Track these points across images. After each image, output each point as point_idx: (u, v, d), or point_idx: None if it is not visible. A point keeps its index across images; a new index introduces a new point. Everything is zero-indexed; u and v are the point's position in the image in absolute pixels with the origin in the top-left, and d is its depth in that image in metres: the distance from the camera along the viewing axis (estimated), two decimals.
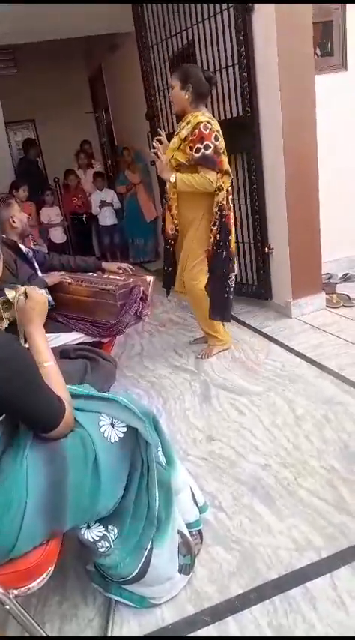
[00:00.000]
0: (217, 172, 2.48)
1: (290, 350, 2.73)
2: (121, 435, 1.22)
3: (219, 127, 2.51)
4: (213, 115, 3.27)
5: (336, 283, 3.52)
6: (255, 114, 3.01)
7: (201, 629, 1.27)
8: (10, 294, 1.26)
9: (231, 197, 2.62)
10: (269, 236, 3.23)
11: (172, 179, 2.50)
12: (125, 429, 1.23)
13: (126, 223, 5.59)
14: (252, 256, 3.42)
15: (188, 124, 2.47)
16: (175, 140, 2.54)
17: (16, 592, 1.07)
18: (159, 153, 2.56)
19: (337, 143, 3.45)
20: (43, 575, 1.10)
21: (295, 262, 3.09)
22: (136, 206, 5.41)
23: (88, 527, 1.24)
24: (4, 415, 1.09)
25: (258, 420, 2.13)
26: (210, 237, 2.58)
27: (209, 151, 2.41)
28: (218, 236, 2.58)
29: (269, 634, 1.23)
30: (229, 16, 2.97)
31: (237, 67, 3.02)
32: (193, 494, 1.50)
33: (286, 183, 2.93)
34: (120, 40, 5.21)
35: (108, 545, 1.24)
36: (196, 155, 2.43)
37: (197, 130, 2.41)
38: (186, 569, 1.40)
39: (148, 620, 1.32)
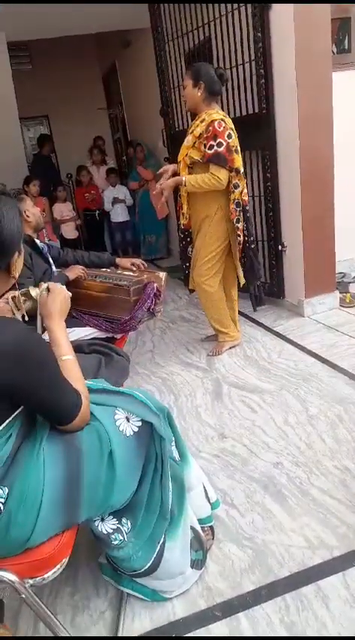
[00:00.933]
0: (229, 170, 2.48)
1: (303, 349, 2.71)
2: (136, 430, 1.23)
3: (232, 125, 2.51)
4: (229, 111, 3.29)
5: (350, 282, 3.50)
6: (271, 111, 2.99)
7: (213, 624, 1.28)
8: (34, 291, 1.28)
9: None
10: (283, 234, 3.22)
11: (182, 183, 2.52)
12: (140, 424, 1.23)
13: (138, 220, 5.59)
14: (265, 254, 3.40)
15: (202, 122, 2.48)
16: (189, 138, 2.55)
17: (31, 582, 1.08)
18: (164, 192, 2.62)
19: (353, 140, 3.42)
20: (58, 566, 1.11)
21: (308, 261, 3.07)
22: (149, 203, 5.42)
23: (102, 519, 1.24)
24: (21, 407, 1.10)
25: (270, 418, 2.13)
26: (239, 235, 2.60)
27: (221, 149, 2.42)
28: (246, 232, 2.61)
29: (281, 631, 1.23)
30: (246, 12, 2.96)
31: (253, 63, 3.01)
32: (205, 491, 1.50)
33: (301, 180, 2.92)
34: (135, 36, 5.21)
35: (121, 537, 1.25)
36: (209, 152, 2.44)
37: (211, 128, 2.42)
38: (197, 564, 1.40)
39: (160, 614, 1.33)
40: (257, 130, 3.08)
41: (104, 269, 2.46)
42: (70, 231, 5.42)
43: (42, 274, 2.16)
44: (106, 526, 1.24)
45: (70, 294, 1.34)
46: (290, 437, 1.98)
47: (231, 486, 1.74)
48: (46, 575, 1.10)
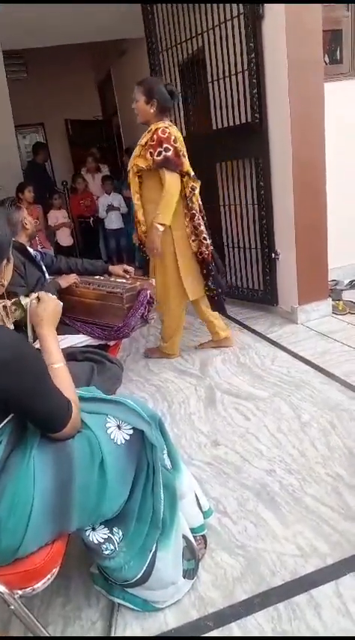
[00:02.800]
0: (181, 174, 2.50)
1: (296, 356, 2.72)
2: (128, 438, 1.22)
3: (178, 134, 2.53)
4: (222, 120, 3.33)
5: (343, 290, 3.52)
6: (264, 120, 3.02)
7: (205, 635, 1.27)
8: (24, 300, 1.29)
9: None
10: (276, 241, 3.24)
11: (160, 228, 2.51)
12: (131, 432, 1.23)
13: (133, 227, 5.60)
14: (258, 262, 3.42)
15: (149, 132, 2.53)
16: (137, 148, 2.59)
17: (20, 592, 1.07)
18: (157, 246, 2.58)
19: (345, 150, 3.46)
20: (48, 576, 1.10)
21: (301, 268, 3.09)
22: None
23: (93, 529, 1.23)
24: (11, 415, 1.10)
25: (263, 425, 2.12)
26: (203, 241, 2.61)
27: (169, 153, 2.44)
28: (207, 236, 2.63)
29: None
30: (239, 22, 2.99)
31: (246, 73, 3.04)
32: (197, 499, 1.49)
33: (294, 189, 2.94)
34: (130, 46, 5.25)
35: (112, 547, 1.24)
36: (158, 158, 2.45)
37: (155, 135, 2.45)
38: (189, 573, 1.39)
39: (151, 624, 1.31)
40: (250, 139, 3.11)
41: (97, 276, 2.46)
42: (65, 239, 5.42)
43: (35, 282, 2.16)
44: (97, 535, 1.23)
45: (61, 303, 1.34)
46: (283, 444, 1.98)
47: (223, 494, 1.74)
48: (35, 586, 1.09)
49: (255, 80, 2.98)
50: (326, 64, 3.34)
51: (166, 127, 2.48)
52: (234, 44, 3.08)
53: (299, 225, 3.01)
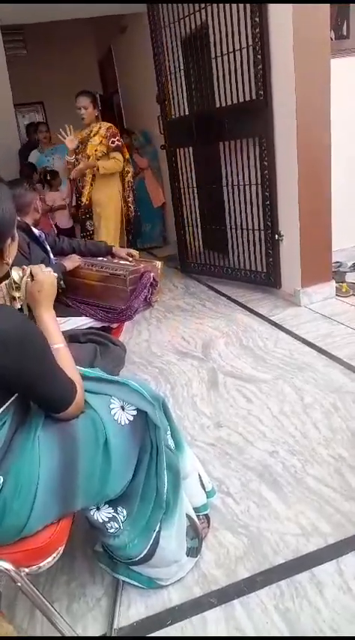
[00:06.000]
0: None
1: (299, 338, 2.71)
2: (131, 419, 1.22)
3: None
4: (225, 97, 3.30)
5: (346, 272, 3.49)
6: (269, 98, 2.96)
7: (208, 611, 1.29)
8: (16, 275, 1.23)
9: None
10: (280, 223, 3.20)
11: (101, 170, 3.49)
12: (135, 413, 1.23)
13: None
14: (261, 243, 3.39)
15: (100, 129, 3.46)
16: (95, 140, 3.46)
17: (27, 570, 1.08)
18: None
19: (351, 128, 3.40)
20: (54, 554, 1.11)
21: (305, 250, 3.06)
22: (144, 191, 5.37)
23: (98, 508, 1.24)
24: (16, 395, 1.09)
25: (266, 407, 2.13)
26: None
27: (120, 142, 3.47)
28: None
29: (275, 617, 1.24)
30: None
31: (251, 49, 2.97)
32: (201, 479, 1.51)
33: (298, 168, 2.89)
34: (131, 21, 5.12)
35: (117, 526, 1.25)
36: (113, 145, 3.44)
37: (111, 130, 3.45)
38: (193, 551, 1.41)
39: (155, 601, 1.34)
40: (253, 117, 3.05)
41: (100, 258, 2.44)
42: (64, 221, 5.36)
43: (40, 263, 2.13)
44: (102, 515, 1.25)
45: (56, 275, 1.31)
46: (285, 426, 1.99)
47: (226, 475, 1.75)
48: (41, 564, 1.10)
49: (259, 56, 2.91)
50: (332, 39, 3.25)
51: (111, 125, 3.50)
52: (239, 19, 3.00)
53: (303, 207, 2.97)
